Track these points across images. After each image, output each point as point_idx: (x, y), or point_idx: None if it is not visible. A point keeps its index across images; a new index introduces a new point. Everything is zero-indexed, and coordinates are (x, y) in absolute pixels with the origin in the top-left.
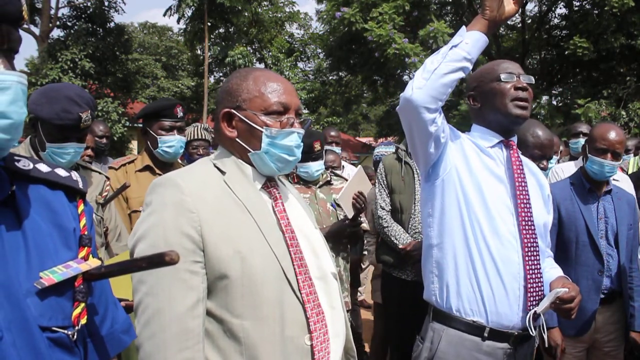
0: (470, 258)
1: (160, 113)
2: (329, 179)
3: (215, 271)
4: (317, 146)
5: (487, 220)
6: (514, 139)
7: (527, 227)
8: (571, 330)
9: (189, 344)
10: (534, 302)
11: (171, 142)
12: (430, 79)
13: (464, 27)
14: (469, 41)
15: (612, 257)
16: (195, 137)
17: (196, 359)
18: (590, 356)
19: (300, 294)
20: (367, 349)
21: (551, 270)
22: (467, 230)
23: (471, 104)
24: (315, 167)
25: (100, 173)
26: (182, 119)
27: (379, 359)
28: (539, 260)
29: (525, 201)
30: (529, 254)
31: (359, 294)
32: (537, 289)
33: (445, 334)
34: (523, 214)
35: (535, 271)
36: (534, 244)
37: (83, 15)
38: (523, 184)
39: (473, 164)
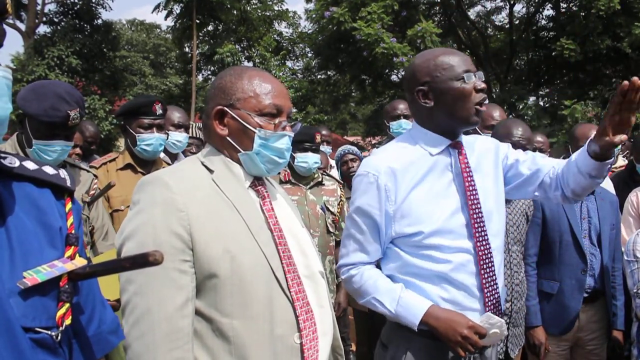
0: (436, 274)
1: (138, 110)
2: (320, 179)
3: (204, 270)
4: (318, 138)
5: (440, 240)
6: (461, 138)
7: (480, 239)
8: (555, 329)
9: (179, 344)
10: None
11: (150, 140)
12: None
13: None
14: None
15: (595, 256)
16: (190, 135)
17: (186, 359)
18: (574, 354)
19: (290, 292)
20: (353, 347)
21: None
22: (424, 255)
23: (420, 100)
24: (314, 159)
25: (88, 171)
26: (161, 116)
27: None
28: (493, 270)
29: (476, 210)
30: (484, 265)
31: None
32: (493, 295)
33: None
34: (475, 224)
35: (491, 281)
36: (488, 254)
37: (70, 12)
38: (474, 190)
39: (412, 197)
